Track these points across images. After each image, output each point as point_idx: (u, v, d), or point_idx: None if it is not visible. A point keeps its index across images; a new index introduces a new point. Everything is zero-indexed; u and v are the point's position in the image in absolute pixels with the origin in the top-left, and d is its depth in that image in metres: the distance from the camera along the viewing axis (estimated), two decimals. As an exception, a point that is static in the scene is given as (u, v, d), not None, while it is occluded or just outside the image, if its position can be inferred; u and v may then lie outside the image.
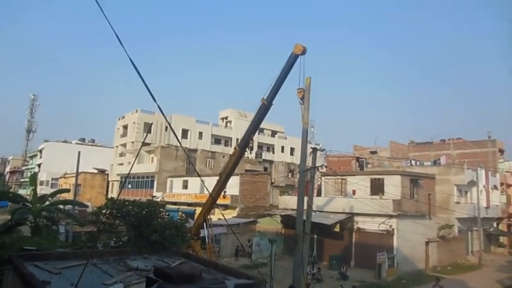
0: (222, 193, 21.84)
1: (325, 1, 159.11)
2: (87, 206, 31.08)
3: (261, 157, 62.90)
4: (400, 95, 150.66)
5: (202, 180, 13.23)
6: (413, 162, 45.85)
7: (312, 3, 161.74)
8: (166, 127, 59.15)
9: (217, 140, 67.32)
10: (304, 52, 18.09)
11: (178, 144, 50.63)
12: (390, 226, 28.21)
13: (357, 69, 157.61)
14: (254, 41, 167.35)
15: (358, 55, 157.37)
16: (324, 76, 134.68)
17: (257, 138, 65.08)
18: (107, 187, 65.49)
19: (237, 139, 62.87)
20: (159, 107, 5.00)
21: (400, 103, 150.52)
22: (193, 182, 45.38)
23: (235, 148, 21.40)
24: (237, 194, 39.58)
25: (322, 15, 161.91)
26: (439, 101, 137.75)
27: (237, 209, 39.60)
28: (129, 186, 52.80)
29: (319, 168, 24.24)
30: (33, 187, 20.56)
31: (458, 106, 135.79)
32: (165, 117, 7.37)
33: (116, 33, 4.62)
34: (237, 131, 66.31)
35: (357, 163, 46.25)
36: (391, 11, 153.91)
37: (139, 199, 15.93)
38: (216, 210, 30.35)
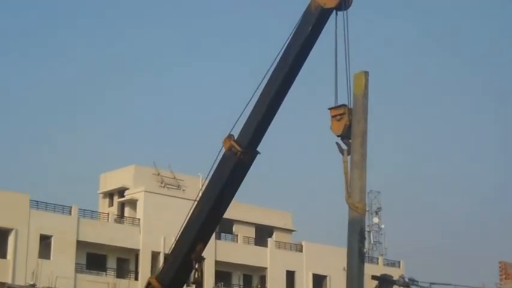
0: None
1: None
2: None
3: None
4: None
5: None
6: None
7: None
8: None
9: (95, 257, 44.13)
10: (345, 4, 10.80)
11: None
12: None
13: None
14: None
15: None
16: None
17: (215, 248, 43.64)
18: None
19: (154, 253, 44.45)
20: None
21: None
22: None
23: (148, 284, 13.14)
24: None
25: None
26: None
27: None
28: None
29: None
30: None
31: None
32: None
33: None
34: (152, 231, 44.58)
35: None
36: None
37: None
38: None
